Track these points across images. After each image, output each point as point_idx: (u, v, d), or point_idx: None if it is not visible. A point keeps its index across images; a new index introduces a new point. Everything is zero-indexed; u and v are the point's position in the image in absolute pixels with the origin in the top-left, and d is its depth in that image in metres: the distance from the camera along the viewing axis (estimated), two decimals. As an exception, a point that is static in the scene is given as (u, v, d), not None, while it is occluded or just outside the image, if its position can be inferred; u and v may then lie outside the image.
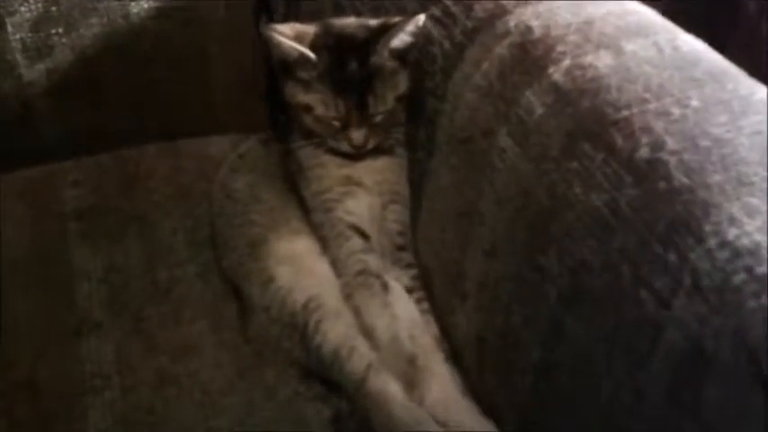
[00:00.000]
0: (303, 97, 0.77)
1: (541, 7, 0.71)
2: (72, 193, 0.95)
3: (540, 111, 0.64)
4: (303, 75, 0.77)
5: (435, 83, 0.76)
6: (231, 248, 0.82)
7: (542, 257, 0.60)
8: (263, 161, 0.85)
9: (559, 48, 0.66)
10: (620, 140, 0.57)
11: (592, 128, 0.59)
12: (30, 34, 1.01)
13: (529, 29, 0.69)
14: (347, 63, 0.76)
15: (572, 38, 0.66)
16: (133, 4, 1.05)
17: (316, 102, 0.77)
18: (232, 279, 0.82)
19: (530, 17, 0.70)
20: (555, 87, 0.64)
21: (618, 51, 0.63)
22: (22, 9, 1.00)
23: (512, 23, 0.70)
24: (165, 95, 1.09)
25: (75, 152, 1.03)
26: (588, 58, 0.64)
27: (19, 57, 1.02)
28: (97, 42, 1.05)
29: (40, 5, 1.01)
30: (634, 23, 0.66)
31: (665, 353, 0.50)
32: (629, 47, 0.64)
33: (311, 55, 0.76)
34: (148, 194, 0.95)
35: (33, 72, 1.03)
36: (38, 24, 1.01)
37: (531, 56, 0.67)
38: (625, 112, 0.58)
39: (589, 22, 0.68)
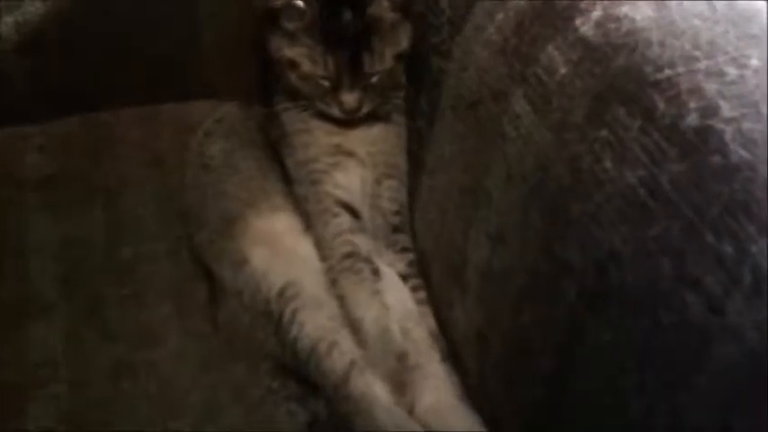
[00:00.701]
0: (288, 51, 0.67)
1: (567, -49, 0.60)
2: (36, 158, 0.87)
3: (563, 70, 0.53)
4: (289, 25, 0.66)
5: (441, 38, 0.66)
6: (203, 224, 0.72)
7: (561, 246, 0.50)
8: (242, 126, 0.75)
9: (589, -5, 0.55)
10: (662, 105, 0.46)
11: (627, 89, 0.49)
12: (-2, -14, 0.92)
13: (552, -26, 0.58)
14: (340, 13, 0.65)
15: (604, -15, 0.56)
16: (110, -46, 0.95)
17: (302, 57, 0.66)
18: (203, 259, 0.72)
19: (554, -38, 0.59)
20: (583, 42, 0.53)
21: (660, 2, 0.53)
22: (-10, -39, 0.90)
23: (532, -31, 0.60)
24: (148, 54, 1.00)
25: (48, 114, 0.95)
26: (624, 9, 0.53)
27: (-14, 9, 0.92)
28: (71, -6, 0.95)
29: (9, -43, 0.91)
30: (680, -31, 0.56)
31: (714, 368, 0.40)
32: (674, -4, 0.53)
33: (299, 2, 0.65)
34: (119, 162, 0.87)
35: (2, 25, 0.93)
36: (7, -24, 0.91)
37: (555, 5, 0.56)
38: (668, 72, 0.48)
39: (624, -32, 0.57)
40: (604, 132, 0.48)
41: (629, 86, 0.49)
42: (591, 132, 0.49)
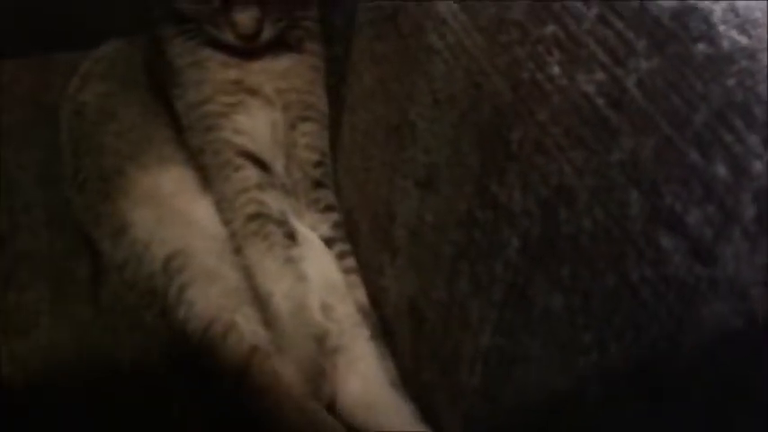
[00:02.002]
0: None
1: None
2: None
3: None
4: None
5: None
6: (80, 185, 0.59)
7: (500, 186, 0.37)
8: (123, 65, 0.61)
9: None
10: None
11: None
12: None
13: None
14: None
15: None
16: None
17: (180, -37, 0.53)
18: (83, 227, 0.59)
19: None
20: None
21: None
22: None
23: None
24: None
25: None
26: None
27: None
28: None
29: None
30: None
31: (702, 338, 0.28)
32: None
33: None
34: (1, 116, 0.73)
35: None
36: None
37: None
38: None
39: None
40: (551, 28, 0.36)
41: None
42: (533, 29, 0.37)
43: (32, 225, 0.64)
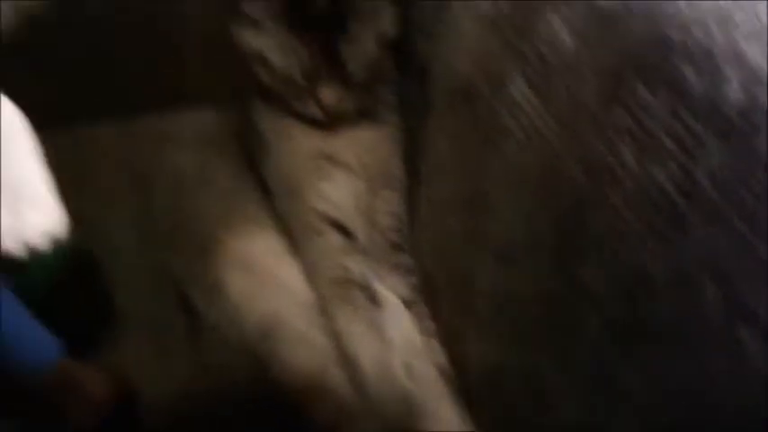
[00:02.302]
0: (254, 41, 0.58)
1: None
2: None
3: (568, 42, 0.43)
4: (253, 11, 0.57)
5: (425, 16, 0.55)
6: (179, 248, 0.64)
7: (578, 266, 0.39)
8: (217, 135, 0.66)
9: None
10: (693, 77, 0.35)
11: (648, 60, 0.38)
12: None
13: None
14: (312, -5, 0.56)
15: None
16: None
17: (270, 48, 0.57)
18: (182, 287, 0.63)
19: None
20: (591, 7, 0.43)
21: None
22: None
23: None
24: (129, 65, 0.93)
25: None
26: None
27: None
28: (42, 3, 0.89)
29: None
30: None
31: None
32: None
33: (262, -18, 0.56)
34: (100, 183, 0.78)
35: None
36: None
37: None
38: (699, 35, 0.36)
39: None
40: (622, 115, 0.38)
41: (651, 57, 0.38)
42: (604, 117, 0.39)
43: (134, 283, 0.69)
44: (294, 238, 0.61)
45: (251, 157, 0.63)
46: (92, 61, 0.90)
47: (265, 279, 0.59)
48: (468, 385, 0.55)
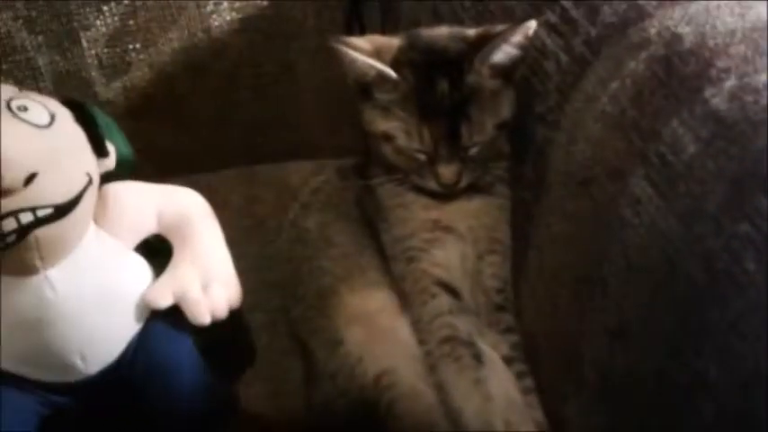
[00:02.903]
0: (382, 124, 0.64)
1: (693, 8, 0.54)
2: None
3: (692, 148, 0.47)
4: (382, 97, 0.63)
5: (548, 106, 0.60)
6: (299, 299, 0.70)
7: (695, 357, 0.43)
8: (338, 198, 0.72)
9: (720, 63, 0.49)
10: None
11: (770, 173, 0.42)
12: (106, 50, 0.94)
13: (676, 37, 0.52)
14: (436, 83, 0.61)
15: (737, 49, 0.49)
16: (215, 16, 0.97)
17: (397, 130, 0.63)
18: (299, 334, 0.69)
19: (677, 21, 0.53)
20: (715, 116, 0.47)
21: (807, 67, 0.46)
22: (98, 23, 0.93)
23: (652, 30, 0.54)
24: (249, 116, 1.01)
25: (153, 175, 0.97)
26: (762, 77, 0.46)
27: (95, 74, 0.95)
28: (176, 58, 0.97)
29: (116, 19, 0.93)
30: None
31: None
32: (823, 61, 0.46)
33: (392, 73, 0.62)
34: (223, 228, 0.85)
35: (110, 90, 0.96)
36: (114, 39, 0.94)
37: (680, 73, 0.50)
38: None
39: (760, 28, 0.50)
40: (744, 227, 0.42)
41: (773, 169, 0.42)
42: (728, 225, 0.43)
43: (253, 326, 0.75)
44: (407, 298, 0.65)
45: (370, 224, 0.69)
46: (217, 114, 0.98)
47: (381, 334, 0.64)
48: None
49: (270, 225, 0.82)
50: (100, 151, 0.55)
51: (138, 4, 0.93)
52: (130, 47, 0.94)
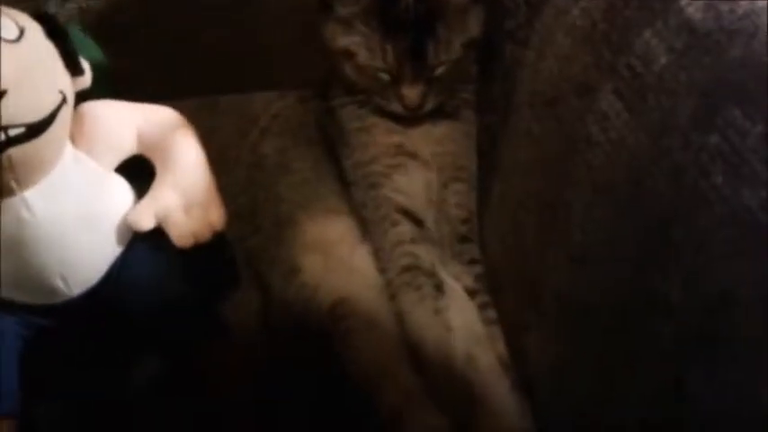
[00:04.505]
0: (343, 40, 0.60)
1: None
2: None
3: (663, 59, 0.44)
4: (344, 10, 0.59)
5: (517, 22, 0.57)
6: (255, 228, 0.67)
7: (659, 278, 0.41)
8: (298, 122, 0.69)
9: (698, -31, 0.45)
10: (790, 105, 0.37)
11: (744, 85, 0.39)
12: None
13: (652, -56, 0.49)
14: (400, -5, 0.58)
15: (717, -45, 0.46)
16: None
17: (358, 46, 0.59)
18: (256, 265, 0.67)
19: (655, -73, 0.50)
20: (689, 26, 0.44)
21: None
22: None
23: (628, -63, 0.50)
24: (210, 42, 0.96)
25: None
26: (742, -15, 0.43)
27: (47, -8, 0.90)
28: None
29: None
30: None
31: None
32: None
33: (354, -17, 0.58)
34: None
35: (65, 11, 0.92)
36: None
37: (655, -18, 0.47)
38: (800, 63, 0.38)
39: (744, -67, 0.47)
40: (715, 139, 0.39)
41: (748, 82, 0.39)
42: (698, 138, 0.40)
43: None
44: (368, 225, 0.63)
45: (331, 148, 0.66)
46: (182, 44, 0.93)
47: (339, 263, 0.61)
48: (527, 377, 0.57)
49: (230, 154, 0.80)
50: (74, 69, 0.52)
51: None
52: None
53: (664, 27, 0.45)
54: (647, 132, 0.43)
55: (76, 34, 0.60)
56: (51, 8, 0.91)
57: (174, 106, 0.91)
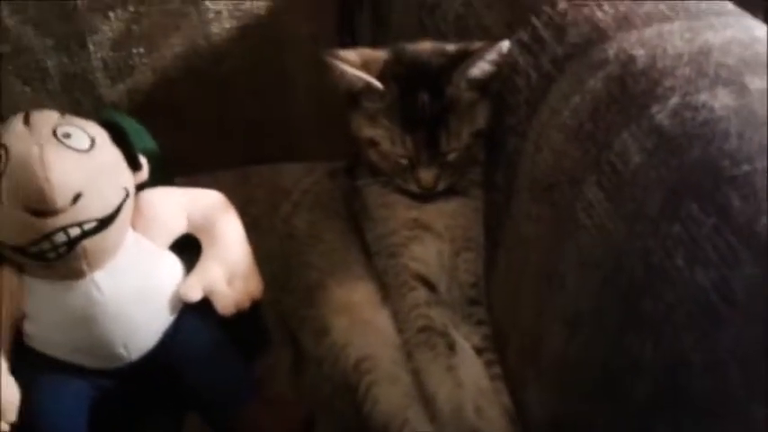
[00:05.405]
0: (368, 131, 0.70)
1: (648, 33, 0.60)
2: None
3: (637, 158, 0.53)
4: (369, 105, 0.69)
5: (518, 118, 0.66)
6: (289, 292, 0.75)
7: (634, 343, 0.49)
8: (327, 197, 0.78)
9: (666, 82, 0.55)
10: (737, 203, 0.45)
11: (702, 184, 0.48)
12: (111, 53, 1.00)
13: (631, 59, 0.58)
14: (418, 94, 0.67)
15: (683, 71, 0.55)
16: (215, 23, 1.03)
17: (381, 136, 0.69)
18: (288, 324, 0.75)
19: (633, 45, 0.59)
20: (658, 130, 0.53)
21: (740, 89, 0.51)
22: (104, 27, 0.99)
23: (611, 52, 0.60)
24: (245, 119, 1.06)
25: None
26: (702, 97, 0.52)
27: (100, 76, 1.01)
28: (178, 63, 1.03)
29: (122, 24, 0.99)
30: (763, 55, 0.54)
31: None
32: (756, 84, 0.51)
33: (378, 85, 0.68)
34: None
35: (114, 92, 1.02)
36: (119, 43, 1.00)
37: (631, 91, 0.56)
38: (746, 167, 0.47)
39: (705, 53, 0.56)
40: (677, 228, 0.48)
41: (705, 182, 0.48)
42: (664, 227, 0.48)
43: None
44: (388, 290, 0.71)
45: (356, 221, 0.74)
46: (215, 117, 1.03)
47: (363, 324, 0.69)
48: (528, 426, 0.65)
49: (263, 223, 0.88)
50: (134, 166, 0.61)
51: (142, 10, 0.99)
52: (134, 51, 1.00)
53: (638, 129, 0.54)
54: (624, 219, 0.52)
55: (133, 126, 0.70)
56: (102, 89, 1.02)
57: (212, 178, 1.01)
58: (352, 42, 1.06)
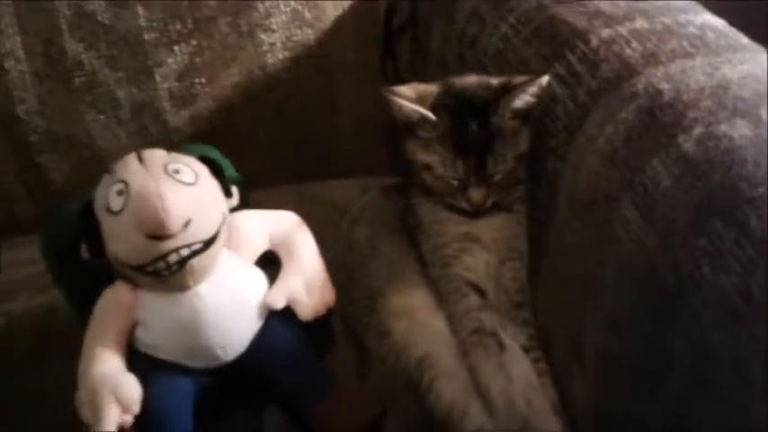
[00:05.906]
0: (423, 156, 0.79)
1: (673, 68, 0.68)
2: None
3: (666, 182, 0.61)
4: (424, 134, 0.78)
5: (558, 143, 0.75)
6: (352, 300, 0.84)
7: (668, 342, 0.57)
8: (383, 214, 0.87)
9: (691, 114, 0.63)
10: (754, 220, 0.53)
11: (724, 204, 0.56)
12: (176, 84, 1.10)
13: (658, 92, 0.66)
14: (468, 124, 0.76)
15: (705, 103, 0.63)
16: (269, 54, 1.12)
17: (436, 162, 0.78)
18: (352, 328, 0.84)
19: (660, 79, 0.67)
20: (684, 157, 0.61)
21: (756, 121, 0.59)
22: (170, 60, 1.09)
23: (640, 86, 0.68)
24: (295, 140, 1.15)
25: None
26: (722, 127, 0.60)
27: (166, 104, 1.11)
28: (236, 91, 1.13)
29: (185, 57, 1.09)
30: (775, 89, 0.62)
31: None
32: (769, 115, 0.60)
33: (432, 116, 0.77)
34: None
35: (179, 119, 1.12)
36: (183, 74, 1.09)
37: (660, 122, 0.64)
38: (761, 190, 0.55)
39: (724, 86, 0.64)
40: (703, 241, 0.56)
41: (726, 202, 0.56)
42: (692, 240, 0.57)
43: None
44: (442, 297, 0.80)
45: (411, 235, 0.83)
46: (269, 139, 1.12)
47: (422, 326, 0.78)
48: (574, 417, 0.73)
49: (325, 240, 0.96)
50: (228, 194, 0.72)
51: (204, 44, 1.09)
52: (197, 81, 1.10)
53: (667, 156, 0.62)
54: (657, 234, 0.60)
55: (219, 157, 0.79)
56: (168, 116, 1.11)
57: (267, 194, 1.09)
58: (393, 68, 1.15)
